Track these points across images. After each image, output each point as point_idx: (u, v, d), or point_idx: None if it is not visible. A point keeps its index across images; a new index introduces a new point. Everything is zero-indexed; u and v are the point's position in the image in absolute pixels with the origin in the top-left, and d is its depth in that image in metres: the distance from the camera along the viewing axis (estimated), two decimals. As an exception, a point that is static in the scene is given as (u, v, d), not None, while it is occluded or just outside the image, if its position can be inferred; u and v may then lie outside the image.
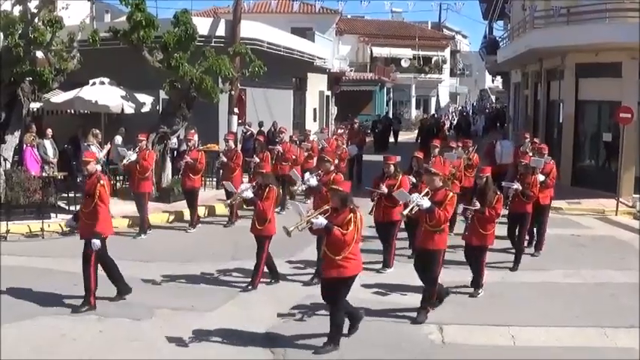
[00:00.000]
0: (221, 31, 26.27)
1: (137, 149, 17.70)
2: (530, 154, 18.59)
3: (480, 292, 13.03)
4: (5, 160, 18.65)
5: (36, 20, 18.87)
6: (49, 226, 17.50)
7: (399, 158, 15.04)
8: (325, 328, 10.40)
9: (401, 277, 13.88)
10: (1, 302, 11.78)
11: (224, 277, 13.77)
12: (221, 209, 20.13)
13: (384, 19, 72.63)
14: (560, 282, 14.24)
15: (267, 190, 12.93)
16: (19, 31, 18.59)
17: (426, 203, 11.15)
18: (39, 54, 19.79)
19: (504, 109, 60.32)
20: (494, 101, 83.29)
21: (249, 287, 12.95)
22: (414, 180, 15.08)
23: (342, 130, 29.22)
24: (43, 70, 19.04)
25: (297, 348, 10.19)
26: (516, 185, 15.21)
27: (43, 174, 19.16)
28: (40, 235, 17.19)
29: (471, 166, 19.33)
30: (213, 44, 24.33)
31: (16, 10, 18.93)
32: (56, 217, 18.25)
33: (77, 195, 18.21)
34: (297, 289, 13.22)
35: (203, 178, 21.74)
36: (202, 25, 24.62)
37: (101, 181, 11.71)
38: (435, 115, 55.05)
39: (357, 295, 12.09)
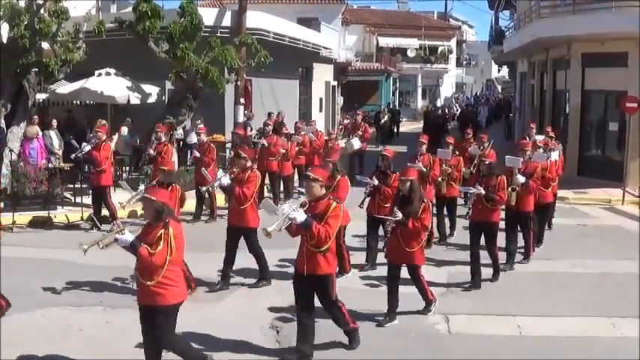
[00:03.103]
0: (227, 21, 26.23)
1: (92, 141, 17.51)
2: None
3: (432, 307, 11.34)
4: (11, 151, 18.68)
5: (42, 11, 18.88)
6: (55, 217, 17.56)
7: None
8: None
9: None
10: (8, 293, 11.81)
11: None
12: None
13: (391, 9, 72.71)
14: (566, 272, 14.24)
15: (169, 189, 11.62)
16: (25, 22, 18.60)
17: (299, 216, 8.90)
18: (45, 45, 19.79)
19: (509, 99, 59.96)
20: (500, 91, 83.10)
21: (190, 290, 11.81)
22: (375, 182, 13.49)
23: (349, 121, 29.10)
24: (49, 61, 19.06)
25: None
26: (474, 189, 12.93)
27: (49, 165, 19.16)
28: (46, 226, 17.24)
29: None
30: (218, 35, 24.29)
31: (22, 1, 18.94)
32: (62, 208, 18.31)
33: (83, 186, 18.25)
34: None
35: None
36: (208, 16, 24.57)
37: None
38: (436, 106, 54.46)
39: (366, 285, 12.18)
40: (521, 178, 13.84)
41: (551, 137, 18.52)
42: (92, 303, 11.60)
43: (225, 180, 12.58)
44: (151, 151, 18.07)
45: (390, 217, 10.84)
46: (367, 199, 13.81)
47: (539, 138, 18.34)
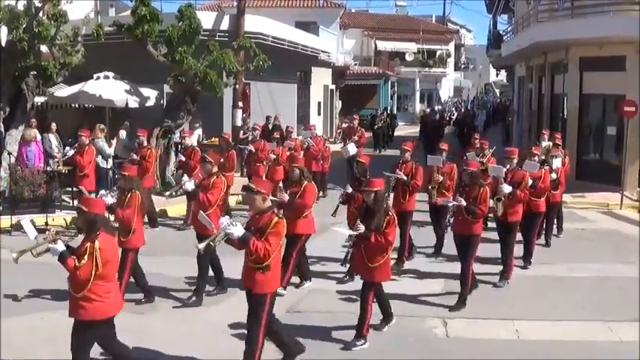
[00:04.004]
0: (225, 25, 26.29)
1: (76, 145, 17.44)
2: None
3: (360, 342, 10.17)
4: (10, 154, 18.69)
5: (40, 14, 18.90)
6: (52, 220, 17.55)
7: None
8: (329, 323, 10.42)
9: (404, 273, 13.97)
10: (8, 296, 11.84)
11: (228, 271, 13.59)
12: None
13: (389, 13, 72.83)
14: (565, 276, 14.24)
15: (129, 195, 11.39)
16: (24, 25, 18.62)
17: (236, 231, 8.35)
18: (43, 48, 19.81)
19: (506, 103, 59.74)
20: (498, 95, 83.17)
21: (143, 299, 11.94)
22: (348, 190, 13.11)
23: (347, 125, 28.99)
24: (48, 65, 19.08)
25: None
26: (452, 202, 12.21)
27: (48, 168, 19.15)
28: (44, 230, 17.22)
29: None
30: (217, 38, 24.33)
31: (21, 5, 18.96)
32: (60, 211, 18.32)
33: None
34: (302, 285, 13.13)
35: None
36: (206, 19, 24.61)
37: None
38: (433, 110, 54.25)
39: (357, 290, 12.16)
40: (507, 188, 13.07)
41: (557, 145, 17.97)
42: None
43: (190, 185, 12.31)
44: (134, 156, 17.71)
45: (350, 231, 10.32)
46: (341, 207, 13.58)
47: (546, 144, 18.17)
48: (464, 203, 11.93)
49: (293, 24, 37.38)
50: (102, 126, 20.44)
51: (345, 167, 24.32)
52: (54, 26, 18.91)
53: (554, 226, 17.26)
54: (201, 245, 8.72)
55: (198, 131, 24.81)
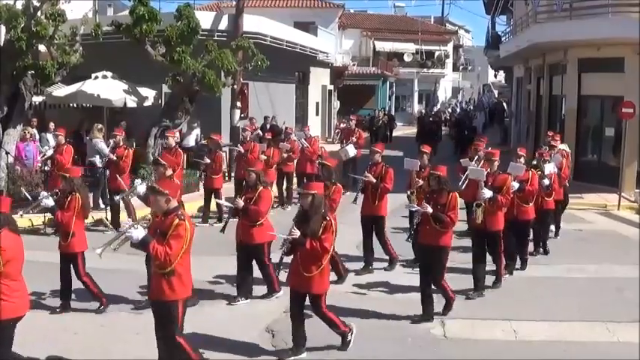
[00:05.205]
0: (224, 25, 26.26)
1: (54, 145, 17.30)
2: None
3: (347, 340, 9.94)
4: (7, 153, 18.66)
5: (38, 14, 18.87)
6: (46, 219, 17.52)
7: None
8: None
9: (402, 274, 13.96)
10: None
11: (227, 271, 13.50)
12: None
13: (387, 14, 72.76)
14: (563, 276, 14.25)
15: (69, 197, 11.02)
16: (22, 25, 18.60)
17: (136, 234, 7.97)
18: (41, 47, 19.82)
19: (502, 104, 59.50)
20: (496, 96, 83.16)
21: (101, 307, 11.47)
22: None
23: (345, 125, 28.89)
24: (46, 64, 19.06)
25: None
26: (416, 208, 11.52)
27: (46, 167, 19.12)
28: (41, 229, 17.19)
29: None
30: (215, 38, 24.31)
31: (19, 4, 18.94)
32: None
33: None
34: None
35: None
36: (205, 19, 24.59)
37: None
38: (432, 111, 54.03)
39: (358, 291, 12.18)
40: (487, 193, 12.30)
41: (553, 146, 17.42)
42: (87, 307, 11.58)
43: (142, 188, 11.75)
44: (112, 156, 17.32)
45: (284, 235, 9.68)
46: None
47: (563, 147, 18.00)
48: (429, 210, 11.06)
49: (292, 24, 37.35)
50: (100, 126, 20.37)
51: (341, 169, 24.23)
52: (52, 25, 18.88)
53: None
54: (99, 250, 8.25)
55: (197, 131, 24.79)
